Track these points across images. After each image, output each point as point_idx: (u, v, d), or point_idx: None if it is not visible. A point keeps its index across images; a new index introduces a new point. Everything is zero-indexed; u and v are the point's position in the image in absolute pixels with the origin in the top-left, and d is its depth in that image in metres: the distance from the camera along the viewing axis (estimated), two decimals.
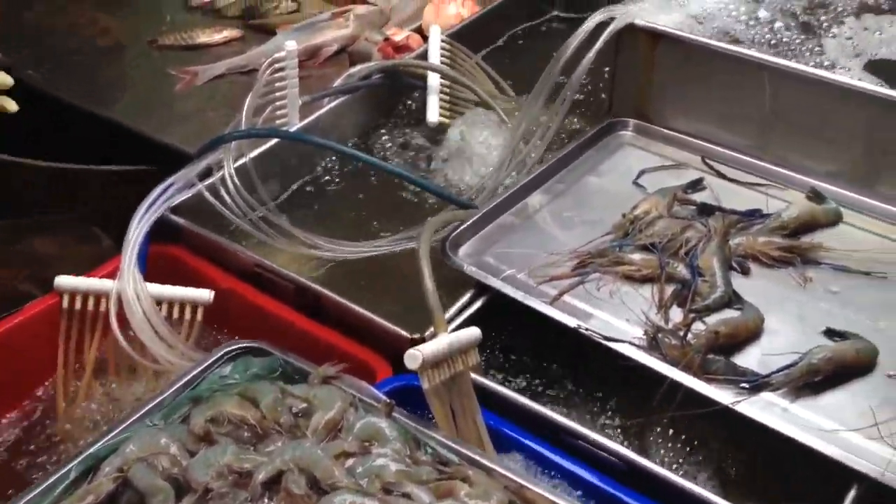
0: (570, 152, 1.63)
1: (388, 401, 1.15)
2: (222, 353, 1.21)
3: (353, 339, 1.37)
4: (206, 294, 1.38)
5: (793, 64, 1.55)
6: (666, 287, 1.33)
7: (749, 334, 1.26)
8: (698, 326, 1.27)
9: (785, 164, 1.56)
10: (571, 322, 1.28)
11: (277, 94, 1.65)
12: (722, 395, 1.17)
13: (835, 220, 1.46)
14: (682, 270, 1.35)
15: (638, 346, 1.24)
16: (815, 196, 1.48)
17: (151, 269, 1.43)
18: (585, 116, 1.81)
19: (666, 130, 1.67)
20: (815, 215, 1.45)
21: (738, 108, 1.60)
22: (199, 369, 1.19)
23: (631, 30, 1.63)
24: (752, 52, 1.57)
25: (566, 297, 1.34)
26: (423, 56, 1.88)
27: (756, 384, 1.18)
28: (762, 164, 1.58)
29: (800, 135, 1.55)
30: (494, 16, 2.10)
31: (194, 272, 1.49)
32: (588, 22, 1.61)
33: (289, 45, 1.64)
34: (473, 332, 1.22)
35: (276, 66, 1.63)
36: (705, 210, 1.47)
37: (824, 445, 1.11)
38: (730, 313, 1.30)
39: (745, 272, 1.37)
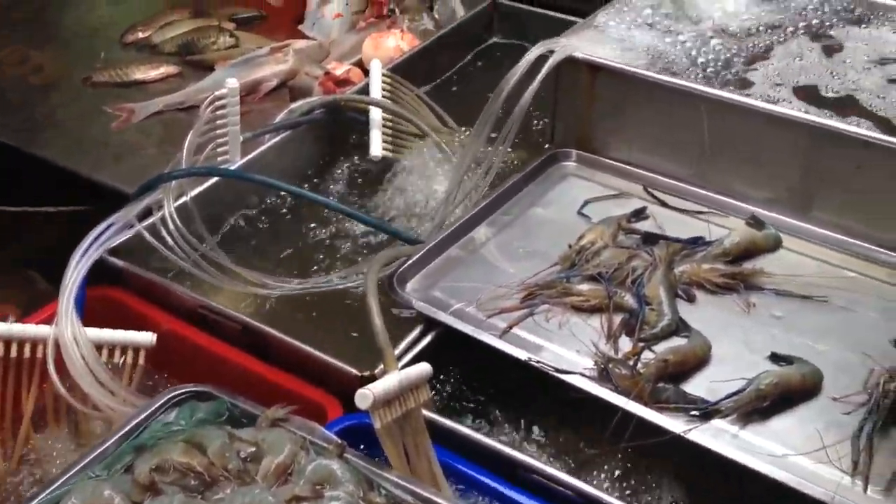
0: (513, 184, 1.64)
1: (340, 442, 1.13)
2: (166, 398, 1.18)
3: (302, 378, 1.35)
4: (148, 337, 1.34)
5: (726, 93, 1.58)
6: (614, 316, 1.34)
7: (697, 361, 1.27)
8: (647, 355, 1.28)
9: (724, 192, 1.59)
10: (522, 355, 1.28)
11: (219, 131, 1.63)
12: (673, 423, 1.18)
13: (774, 245, 1.49)
14: (629, 300, 1.36)
15: (589, 377, 1.24)
16: (755, 222, 1.51)
17: (90, 312, 1.38)
18: (526, 147, 1.82)
19: (607, 160, 1.69)
20: (755, 241, 1.47)
21: (676, 138, 1.63)
22: (143, 416, 1.16)
23: (570, 62, 1.65)
24: (688, 83, 1.60)
25: (516, 330, 1.34)
26: (365, 90, 1.87)
27: (706, 411, 1.19)
28: (702, 191, 1.60)
29: (737, 162, 1.58)
30: (434, 48, 2.11)
31: (136, 315, 1.45)
32: (528, 55, 1.63)
33: (230, 82, 1.62)
34: (424, 367, 1.21)
35: (218, 103, 1.61)
36: (649, 239, 1.48)
37: (775, 471, 1.12)
38: (677, 341, 1.31)
39: (690, 299, 1.39)
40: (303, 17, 2.35)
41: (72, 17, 2.41)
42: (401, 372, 1.17)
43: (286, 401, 1.20)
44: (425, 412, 1.21)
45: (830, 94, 1.61)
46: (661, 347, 1.30)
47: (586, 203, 1.59)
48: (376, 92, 1.85)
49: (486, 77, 2.12)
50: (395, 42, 2.12)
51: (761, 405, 1.20)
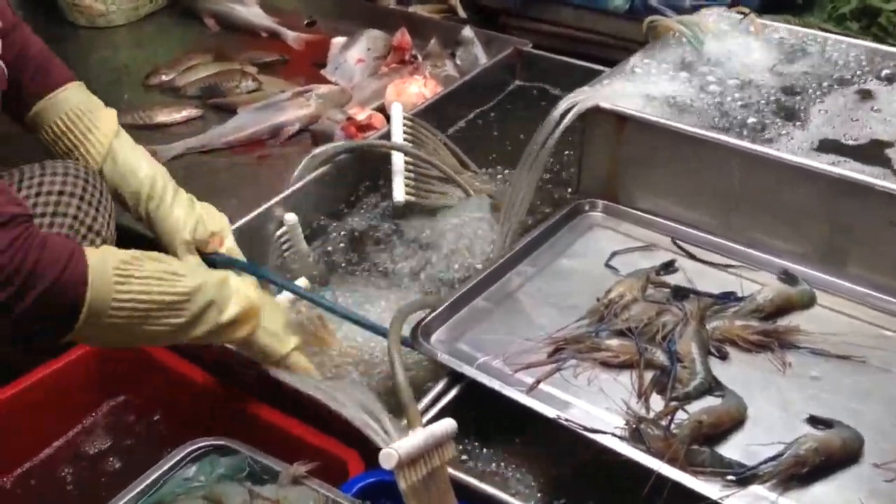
0: (539, 234, 1.61)
1: (364, 502, 1.09)
2: (185, 452, 1.16)
3: (322, 430, 1.31)
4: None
5: (755, 146, 1.55)
6: (644, 373, 1.31)
7: (732, 423, 1.23)
8: (680, 415, 1.24)
9: (754, 245, 1.55)
10: (550, 412, 1.24)
11: (286, 254, 1.71)
12: (709, 488, 1.14)
13: (809, 302, 1.45)
14: (660, 356, 1.32)
15: (620, 437, 1.20)
16: (788, 278, 1.48)
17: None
18: (551, 198, 1.81)
19: (634, 211, 1.66)
20: (790, 298, 1.44)
21: (705, 189, 1.59)
22: (161, 471, 1.13)
23: (598, 112, 1.63)
24: (717, 135, 1.58)
25: (543, 386, 1.30)
26: (387, 135, 1.86)
27: (743, 476, 1.15)
28: (731, 244, 1.57)
29: (767, 216, 1.55)
30: (457, 94, 2.11)
31: (145, 360, 1.41)
32: (555, 111, 1.61)
33: (288, 218, 1.68)
34: (449, 424, 1.17)
35: (283, 238, 1.69)
36: (679, 293, 1.45)
37: None
38: (711, 401, 1.27)
39: (723, 357, 1.35)
40: (325, 61, 2.35)
41: (96, 58, 2.42)
42: (426, 429, 1.13)
43: (306, 454, 1.17)
44: (451, 470, 1.17)
45: (854, 143, 1.58)
46: (694, 407, 1.25)
47: (614, 255, 1.56)
48: (398, 136, 1.84)
49: (509, 123, 2.12)
50: (418, 88, 2.12)
51: (801, 471, 1.15)
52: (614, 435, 1.20)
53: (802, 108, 1.68)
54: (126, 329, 1.11)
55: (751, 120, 1.64)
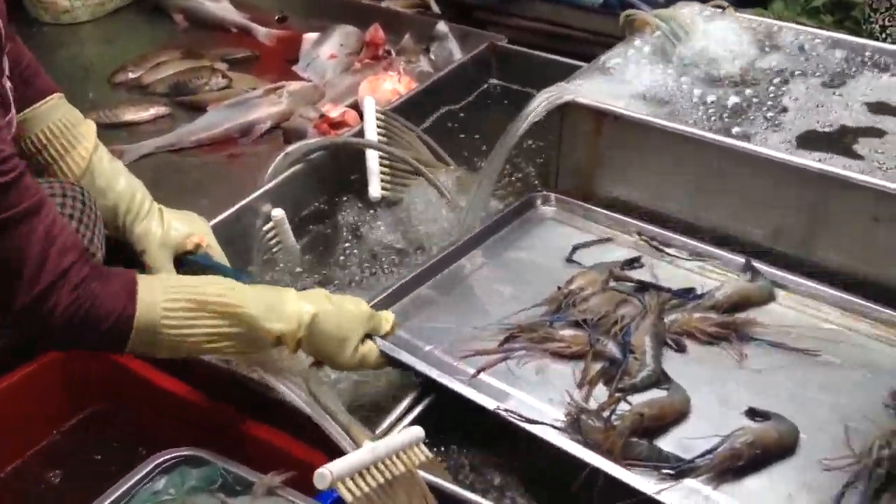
0: (490, 226, 1.58)
1: None
2: (154, 465, 1.12)
3: (298, 438, 1.28)
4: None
5: (731, 141, 1.53)
6: (595, 365, 1.28)
7: (675, 416, 1.20)
8: (624, 407, 1.21)
9: (721, 239, 1.54)
10: (490, 404, 1.21)
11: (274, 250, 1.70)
12: (643, 482, 1.11)
13: (767, 298, 1.43)
14: (612, 348, 1.30)
15: (559, 429, 1.18)
16: (751, 271, 1.46)
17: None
18: (516, 192, 1.79)
19: (598, 206, 1.63)
20: (748, 294, 1.42)
21: (676, 183, 1.58)
22: (129, 484, 1.09)
23: (572, 107, 1.61)
24: (694, 130, 1.56)
25: (487, 377, 1.27)
26: (362, 132, 1.83)
27: (680, 469, 1.13)
28: (696, 242, 1.54)
29: (735, 210, 1.54)
30: (432, 90, 2.08)
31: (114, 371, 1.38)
32: (529, 107, 1.59)
33: (275, 213, 1.67)
34: (411, 432, 1.16)
35: (269, 234, 1.68)
36: (642, 287, 1.43)
37: None
38: (658, 393, 1.24)
39: (680, 349, 1.33)
40: (296, 57, 2.31)
41: (61, 56, 2.36)
42: (377, 442, 1.11)
43: (281, 463, 1.14)
44: (428, 476, 1.15)
45: (829, 132, 1.58)
46: (639, 400, 1.22)
47: (576, 249, 1.54)
48: (371, 132, 1.81)
49: (484, 119, 2.09)
50: (392, 85, 2.08)
51: (736, 464, 1.13)
52: (553, 426, 1.18)
53: (778, 101, 1.67)
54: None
55: (727, 114, 1.63)
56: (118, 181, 1.44)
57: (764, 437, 1.16)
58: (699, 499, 1.12)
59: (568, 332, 1.32)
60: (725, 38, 1.82)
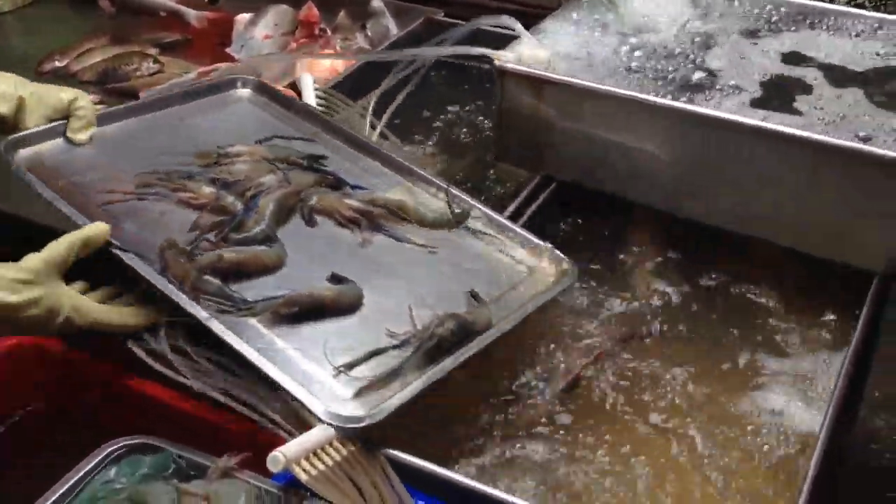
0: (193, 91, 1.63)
1: (301, 490, 1.04)
2: (104, 454, 1.09)
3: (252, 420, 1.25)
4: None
5: (666, 101, 1.52)
6: (214, 217, 1.33)
7: (259, 267, 1.28)
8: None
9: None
10: (102, 227, 1.25)
11: None
12: (198, 310, 1.19)
13: (442, 220, 1.45)
14: (236, 205, 1.35)
15: (146, 259, 1.24)
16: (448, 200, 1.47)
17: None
18: (473, 162, 1.79)
19: (292, 98, 1.69)
20: (406, 207, 1.45)
21: (610, 147, 1.59)
22: (79, 476, 1.06)
23: (509, 74, 1.60)
24: (630, 93, 1.54)
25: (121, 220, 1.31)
26: None
27: (239, 308, 1.21)
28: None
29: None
30: (370, 67, 2.04)
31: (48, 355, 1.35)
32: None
33: None
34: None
35: None
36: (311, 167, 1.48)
37: (263, 361, 1.14)
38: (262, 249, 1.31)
39: (310, 223, 1.39)
40: (230, 40, 2.26)
41: None
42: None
43: (235, 445, 1.12)
44: (388, 449, 1.14)
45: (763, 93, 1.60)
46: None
47: (273, 138, 1.54)
48: None
49: (425, 93, 2.07)
50: (330, 63, 2.05)
51: (291, 310, 1.21)
52: (141, 256, 1.25)
53: (715, 62, 1.68)
54: None
55: (667, 75, 1.63)
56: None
57: (324, 294, 1.24)
58: (252, 333, 1.18)
59: (204, 188, 1.38)
60: (662, 2, 1.83)
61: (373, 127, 1.86)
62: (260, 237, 1.31)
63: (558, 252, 1.42)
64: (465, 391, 1.32)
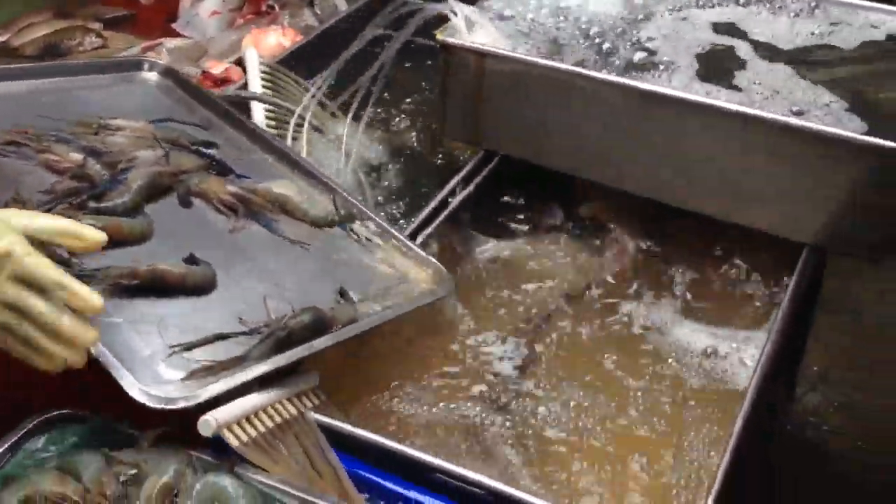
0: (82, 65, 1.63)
1: (230, 457, 1.04)
2: (32, 424, 1.07)
3: None
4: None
5: (613, 77, 1.54)
6: (73, 183, 1.28)
7: (119, 238, 1.20)
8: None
9: None
10: None
11: None
12: None
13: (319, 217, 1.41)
14: (102, 174, 1.31)
15: None
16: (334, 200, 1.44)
17: None
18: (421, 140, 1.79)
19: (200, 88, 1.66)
20: (287, 200, 1.40)
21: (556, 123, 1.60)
22: (6, 446, 1.04)
23: (452, 49, 1.61)
24: (571, 67, 1.55)
25: None
26: (246, 86, 1.78)
27: (72, 272, 1.09)
28: None
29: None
30: (318, 43, 2.04)
31: None
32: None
33: None
34: (304, 377, 1.16)
35: None
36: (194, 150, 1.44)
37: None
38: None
39: (184, 203, 1.35)
40: (176, 15, 2.24)
41: None
42: (269, 388, 1.10)
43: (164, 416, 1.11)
44: (320, 417, 1.15)
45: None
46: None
47: (168, 120, 1.51)
48: (255, 84, 1.77)
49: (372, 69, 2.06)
50: (277, 39, 2.04)
51: (131, 282, 1.15)
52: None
53: (655, 38, 1.69)
54: None
55: (606, 47, 1.65)
56: None
57: (169, 270, 1.18)
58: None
59: (74, 155, 1.33)
60: None
61: (321, 105, 1.86)
62: (120, 209, 1.26)
63: (440, 264, 1.39)
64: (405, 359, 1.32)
